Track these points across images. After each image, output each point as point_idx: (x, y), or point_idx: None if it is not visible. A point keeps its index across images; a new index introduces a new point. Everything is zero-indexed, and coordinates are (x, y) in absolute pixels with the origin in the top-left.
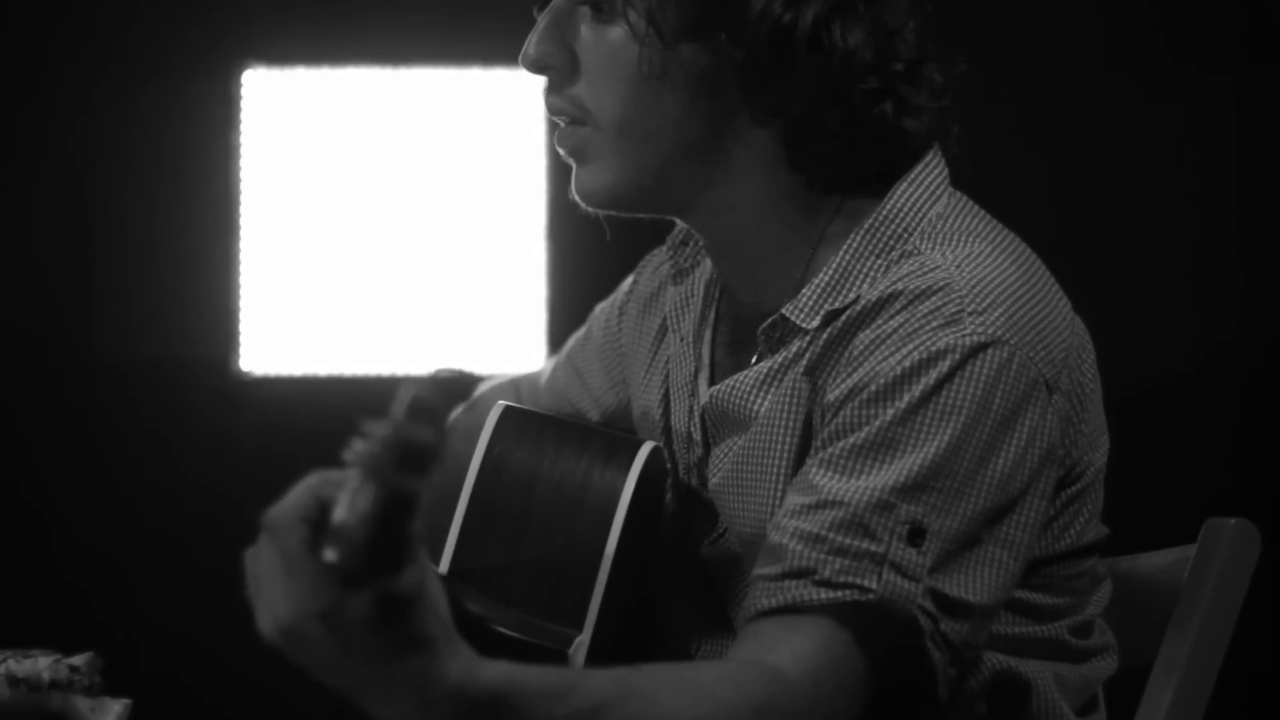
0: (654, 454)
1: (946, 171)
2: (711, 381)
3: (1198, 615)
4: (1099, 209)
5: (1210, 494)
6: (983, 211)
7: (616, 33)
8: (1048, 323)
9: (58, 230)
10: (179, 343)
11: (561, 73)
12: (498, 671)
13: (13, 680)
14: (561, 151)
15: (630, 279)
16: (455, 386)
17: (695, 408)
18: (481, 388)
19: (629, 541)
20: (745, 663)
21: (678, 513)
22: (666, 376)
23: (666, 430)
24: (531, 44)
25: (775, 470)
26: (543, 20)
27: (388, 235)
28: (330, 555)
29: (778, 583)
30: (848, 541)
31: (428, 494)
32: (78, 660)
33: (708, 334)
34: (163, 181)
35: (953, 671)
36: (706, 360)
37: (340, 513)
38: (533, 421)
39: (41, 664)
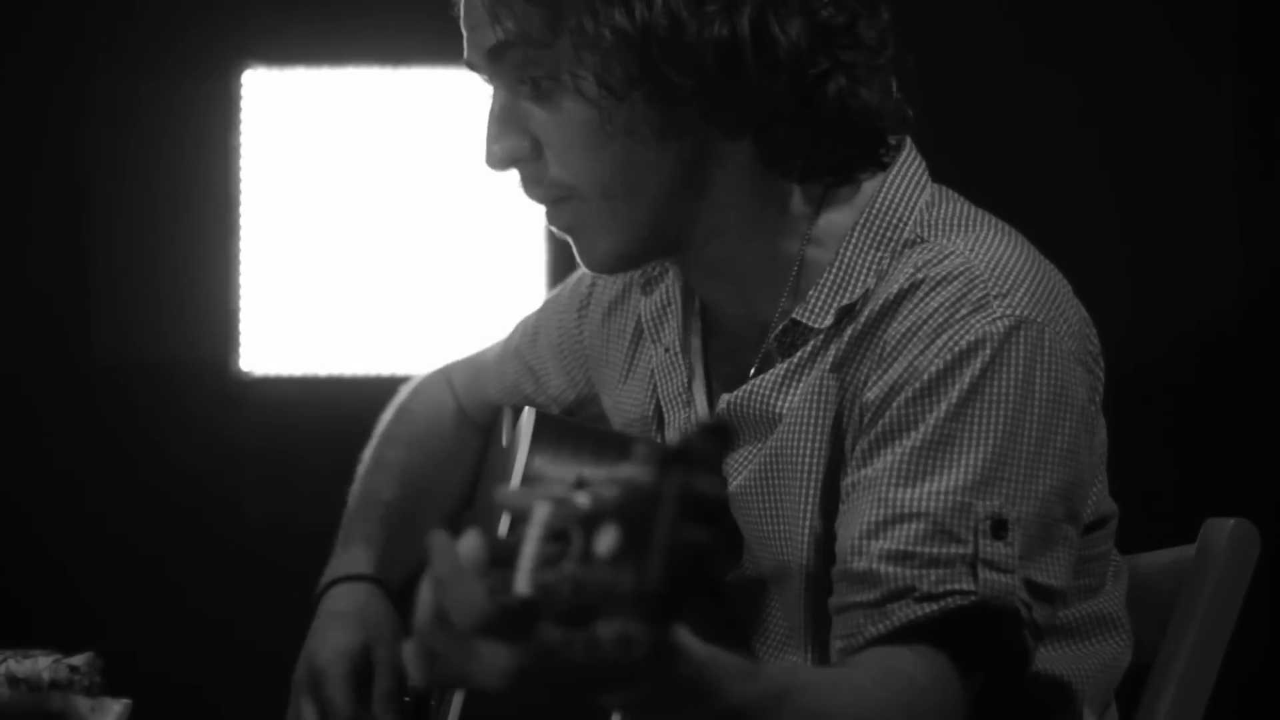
0: None
1: (924, 163)
2: (709, 389)
3: (1198, 615)
4: (1098, 209)
5: (1210, 494)
6: (966, 200)
7: (569, 104)
8: (1063, 297)
9: (57, 231)
10: (179, 343)
11: (529, 160)
12: (697, 641)
13: (13, 680)
14: (555, 230)
15: (589, 277)
16: (726, 435)
17: (693, 418)
18: (404, 393)
19: None
20: (888, 668)
21: None
22: (654, 389)
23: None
24: (492, 144)
25: (807, 468)
26: (491, 119)
27: (387, 235)
28: (527, 589)
29: (879, 608)
30: (936, 551)
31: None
32: (78, 660)
33: (696, 343)
34: (162, 182)
35: (1036, 658)
36: (700, 369)
37: (528, 549)
38: (569, 431)
39: (41, 664)
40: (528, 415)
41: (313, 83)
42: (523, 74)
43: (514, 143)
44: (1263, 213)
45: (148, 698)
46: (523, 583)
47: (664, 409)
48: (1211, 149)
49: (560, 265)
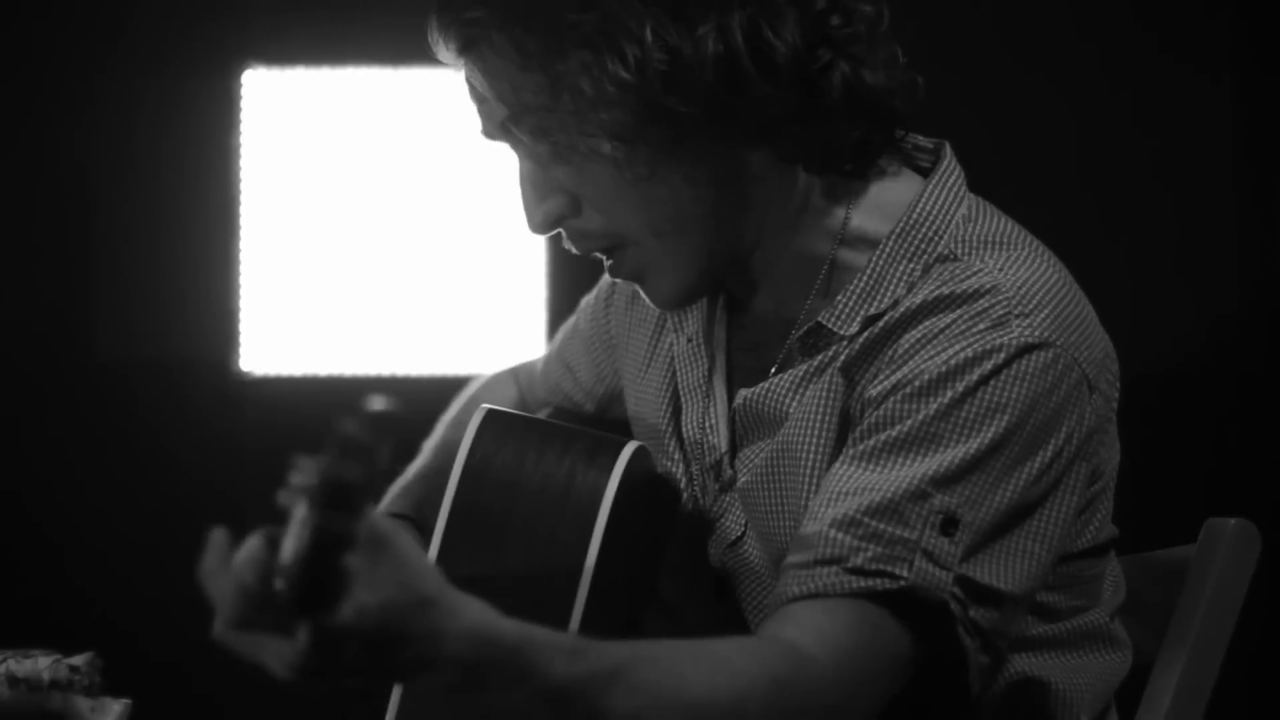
0: (638, 453)
1: (963, 174)
2: (730, 381)
3: (1198, 615)
4: (1096, 210)
5: (1210, 494)
6: (1003, 214)
7: (589, 158)
8: (1089, 324)
9: (58, 230)
10: (179, 343)
11: (572, 217)
12: (512, 623)
13: (13, 680)
14: (619, 281)
15: None
16: (384, 421)
17: (711, 410)
18: (477, 382)
19: (614, 542)
20: (766, 638)
21: (690, 517)
22: (673, 378)
23: (676, 434)
24: (533, 210)
25: (810, 463)
26: (524, 186)
27: (388, 235)
28: (279, 584)
29: (808, 570)
30: (881, 527)
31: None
32: (78, 660)
33: (720, 334)
34: (163, 181)
35: (984, 659)
36: (721, 361)
37: (287, 544)
38: (515, 424)
39: (41, 664)
40: (479, 412)
41: (313, 83)
42: (538, 138)
43: (552, 204)
44: (1262, 214)
45: (148, 698)
46: (279, 578)
47: (681, 398)
48: (1211, 149)
49: (561, 265)
